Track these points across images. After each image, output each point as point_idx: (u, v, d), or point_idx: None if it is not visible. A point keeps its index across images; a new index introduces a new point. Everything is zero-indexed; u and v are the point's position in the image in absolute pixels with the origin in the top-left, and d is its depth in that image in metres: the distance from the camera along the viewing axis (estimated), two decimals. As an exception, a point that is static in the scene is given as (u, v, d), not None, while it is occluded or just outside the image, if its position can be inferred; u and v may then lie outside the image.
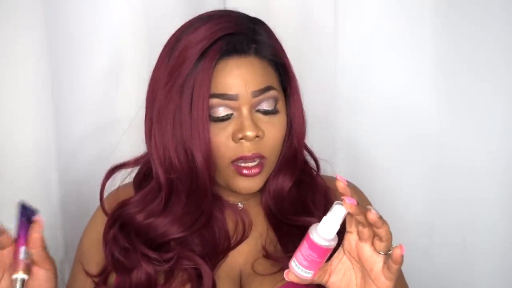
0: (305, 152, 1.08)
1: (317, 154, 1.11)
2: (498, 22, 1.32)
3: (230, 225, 1.03)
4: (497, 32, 1.32)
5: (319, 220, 0.86)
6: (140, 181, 1.05)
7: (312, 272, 0.85)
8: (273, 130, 0.97)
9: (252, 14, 1.02)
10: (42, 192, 1.29)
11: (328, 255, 0.85)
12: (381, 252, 0.83)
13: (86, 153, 1.32)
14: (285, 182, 1.04)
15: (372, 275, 0.84)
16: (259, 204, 1.05)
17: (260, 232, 1.03)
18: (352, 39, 1.36)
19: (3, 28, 1.24)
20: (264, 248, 1.01)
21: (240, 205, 1.05)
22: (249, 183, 0.97)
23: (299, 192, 1.05)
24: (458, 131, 1.36)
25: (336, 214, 0.82)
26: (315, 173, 1.08)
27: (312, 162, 1.09)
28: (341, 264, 0.88)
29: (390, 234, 0.81)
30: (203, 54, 0.94)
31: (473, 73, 1.34)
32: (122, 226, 1.00)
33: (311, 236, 0.83)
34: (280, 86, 0.99)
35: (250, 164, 0.95)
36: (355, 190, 1.11)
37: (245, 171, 0.96)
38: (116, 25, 1.31)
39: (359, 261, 0.86)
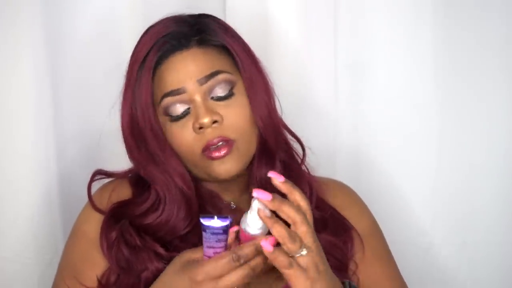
0: (291, 138, 1.08)
1: (318, 154, 1.11)
2: (498, 22, 1.32)
3: None
4: (497, 32, 1.32)
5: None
6: (137, 180, 1.05)
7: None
8: (232, 112, 0.97)
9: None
10: (42, 192, 1.29)
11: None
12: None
13: (86, 153, 1.32)
14: (267, 171, 1.03)
15: None
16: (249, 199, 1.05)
17: None
18: (352, 39, 1.35)
19: (2, 28, 1.24)
20: None
21: (232, 205, 1.05)
22: (225, 166, 0.97)
23: (287, 176, 1.04)
24: (458, 130, 1.35)
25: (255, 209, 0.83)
26: (300, 160, 1.08)
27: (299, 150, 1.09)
28: None
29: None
30: (144, 59, 0.96)
31: (474, 73, 1.34)
32: (129, 224, 1.00)
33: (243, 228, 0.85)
34: (238, 69, 1.00)
35: (218, 147, 0.96)
36: (348, 191, 1.12)
37: (215, 154, 0.96)
38: (116, 25, 1.31)
39: None
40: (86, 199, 1.07)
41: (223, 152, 0.96)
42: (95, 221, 1.02)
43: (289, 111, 1.11)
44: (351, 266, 1.03)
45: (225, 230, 0.83)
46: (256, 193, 0.81)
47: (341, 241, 1.03)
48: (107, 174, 1.08)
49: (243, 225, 0.85)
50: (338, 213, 1.06)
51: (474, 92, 1.34)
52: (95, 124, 1.32)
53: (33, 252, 1.28)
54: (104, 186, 1.08)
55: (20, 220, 1.26)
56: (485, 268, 1.38)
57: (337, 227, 1.04)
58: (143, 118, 0.97)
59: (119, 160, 1.08)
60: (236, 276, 0.83)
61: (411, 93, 1.35)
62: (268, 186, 1.02)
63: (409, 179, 1.38)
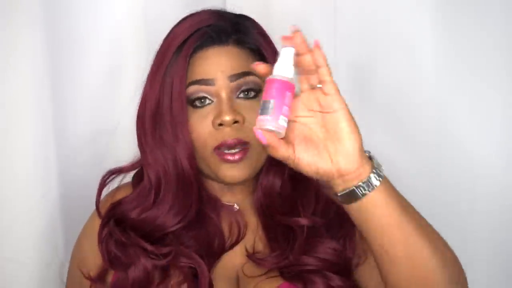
0: None
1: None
2: (499, 19, 1.32)
3: (225, 226, 1.02)
4: (497, 29, 1.32)
5: (308, 221, 0.95)
6: (139, 181, 1.05)
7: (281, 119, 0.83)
8: (254, 116, 0.94)
9: (251, 13, 1.02)
10: (42, 192, 1.29)
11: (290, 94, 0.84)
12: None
13: (86, 154, 1.33)
14: (276, 179, 1.03)
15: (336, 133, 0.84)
16: (253, 204, 1.05)
17: (254, 233, 1.03)
18: (352, 37, 1.36)
19: (2, 28, 1.24)
20: (246, 249, 1.01)
21: (236, 206, 1.04)
22: (233, 171, 0.96)
23: (293, 187, 1.04)
24: (459, 128, 1.35)
25: (286, 55, 0.83)
26: None
27: None
28: (301, 126, 0.85)
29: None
30: (182, 45, 0.96)
31: (474, 70, 1.33)
32: (117, 222, 1.00)
33: (273, 77, 0.83)
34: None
35: (232, 151, 0.95)
36: None
37: (228, 157, 0.95)
38: (116, 25, 1.31)
39: (322, 114, 0.84)
40: (86, 199, 1.07)
41: (237, 157, 0.95)
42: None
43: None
44: (354, 261, 1.02)
45: None
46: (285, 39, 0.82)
47: (342, 245, 1.01)
48: (117, 171, 1.07)
49: (275, 73, 0.83)
50: (342, 210, 1.06)
51: (475, 89, 1.34)
52: (95, 124, 1.33)
53: (33, 252, 1.28)
54: (108, 195, 1.09)
55: (20, 220, 1.26)
56: (485, 268, 1.38)
57: (341, 223, 1.02)
58: (172, 103, 0.96)
59: (120, 158, 1.08)
60: None
61: (411, 93, 1.35)
62: (273, 194, 1.03)
63: (409, 178, 1.38)
